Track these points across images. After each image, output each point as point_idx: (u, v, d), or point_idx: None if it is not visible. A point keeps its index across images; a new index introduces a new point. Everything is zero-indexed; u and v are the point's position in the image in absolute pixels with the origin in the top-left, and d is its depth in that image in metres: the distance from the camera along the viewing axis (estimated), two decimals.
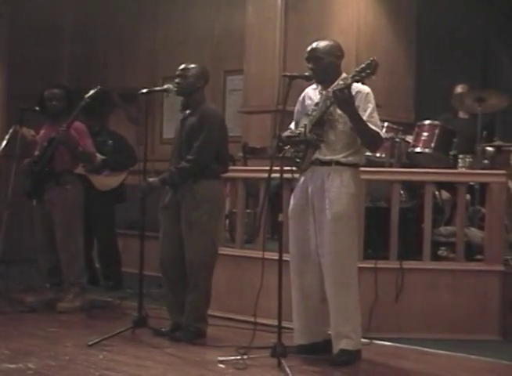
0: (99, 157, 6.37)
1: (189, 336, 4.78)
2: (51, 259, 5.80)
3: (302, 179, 4.48)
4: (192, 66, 4.92)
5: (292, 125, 4.61)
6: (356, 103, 4.24)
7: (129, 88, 8.07)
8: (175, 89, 4.91)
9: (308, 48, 4.43)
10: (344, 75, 4.37)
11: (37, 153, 5.79)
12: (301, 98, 4.61)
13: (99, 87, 5.65)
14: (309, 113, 4.44)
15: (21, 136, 5.86)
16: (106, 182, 6.55)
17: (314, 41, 4.45)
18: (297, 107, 4.62)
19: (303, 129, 4.41)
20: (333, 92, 4.19)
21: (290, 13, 7.06)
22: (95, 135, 6.47)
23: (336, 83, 4.31)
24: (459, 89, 6.67)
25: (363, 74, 4.11)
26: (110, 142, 6.61)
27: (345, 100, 4.16)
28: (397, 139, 5.99)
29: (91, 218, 6.41)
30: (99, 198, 6.49)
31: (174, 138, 5.01)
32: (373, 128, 4.29)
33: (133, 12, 8.87)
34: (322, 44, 4.41)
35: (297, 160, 4.43)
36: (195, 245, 4.76)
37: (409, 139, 6.06)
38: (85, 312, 5.66)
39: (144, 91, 4.99)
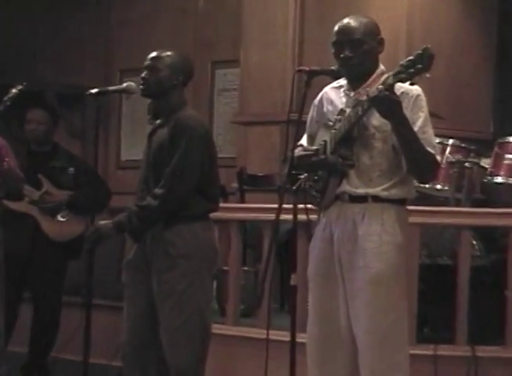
0: (62, 192, 6.29)
1: None
2: None
3: (323, 223, 4.46)
4: (168, 53, 4.88)
5: (303, 141, 4.54)
6: None
7: (71, 86, 8.13)
8: (141, 88, 4.91)
9: (339, 27, 4.38)
10: (381, 68, 4.37)
11: None
12: (317, 101, 4.52)
13: (24, 84, 5.65)
14: (331, 124, 4.43)
15: None
16: (64, 229, 6.44)
17: (344, 18, 4.43)
18: (312, 114, 4.55)
19: (322, 147, 4.41)
20: (370, 98, 4.18)
21: None
22: (47, 157, 6.38)
23: (369, 81, 4.31)
24: None
25: (412, 70, 4.08)
26: (71, 169, 6.48)
27: (388, 106, 4.17)
28: (467, 164, 6.01)
29: (31, 277, 6.36)
30: (47, 251, 6.41)
31: (142, 161, 4.99)
32: (427, 148, 4.29)
33: None
34: (359, 21, 4.36)
35: (315, 193, 4.43)
36: (172, 324, 4.71)
37: (486, 163, 6.09)
38: None
39: (93, 91, 5.01)
